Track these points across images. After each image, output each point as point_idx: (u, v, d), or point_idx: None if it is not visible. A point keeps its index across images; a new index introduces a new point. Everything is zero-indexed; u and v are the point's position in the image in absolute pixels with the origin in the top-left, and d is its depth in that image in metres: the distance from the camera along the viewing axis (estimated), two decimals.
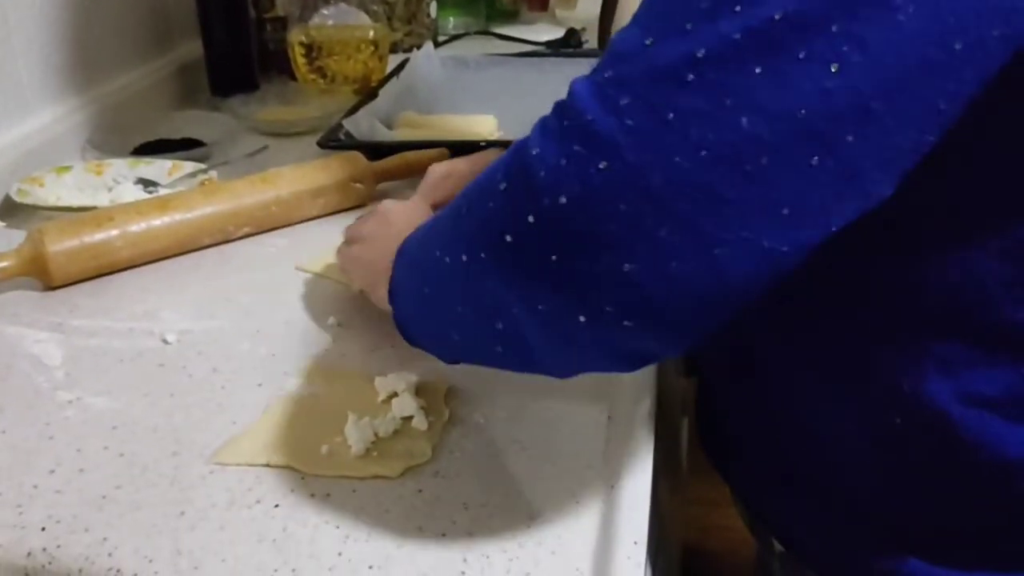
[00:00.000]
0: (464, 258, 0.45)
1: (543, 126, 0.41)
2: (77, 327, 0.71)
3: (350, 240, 0.71)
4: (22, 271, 0.75)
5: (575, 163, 0.38)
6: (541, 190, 0.39)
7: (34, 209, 0.88)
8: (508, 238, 0.41)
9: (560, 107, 0.40)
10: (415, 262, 0.54)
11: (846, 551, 0.59)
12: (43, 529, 0.51)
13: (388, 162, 0.95)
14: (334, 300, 0.74)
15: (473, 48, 1.57)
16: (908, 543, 0.56)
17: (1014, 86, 0.41)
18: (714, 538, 1.39)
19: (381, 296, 0.60)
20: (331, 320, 0.71)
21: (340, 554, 0.49)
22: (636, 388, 0.62)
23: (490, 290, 0.44)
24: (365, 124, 1.07)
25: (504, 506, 0.52)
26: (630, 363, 0.45)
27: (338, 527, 0.51)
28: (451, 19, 1.70)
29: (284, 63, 1.32)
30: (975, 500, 0.52)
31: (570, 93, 0.40)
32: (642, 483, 0.53)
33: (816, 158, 0.37)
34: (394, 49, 1.47)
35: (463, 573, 0.48)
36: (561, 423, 0.59)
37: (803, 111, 0.36)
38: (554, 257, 0.39)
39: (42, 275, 0.76)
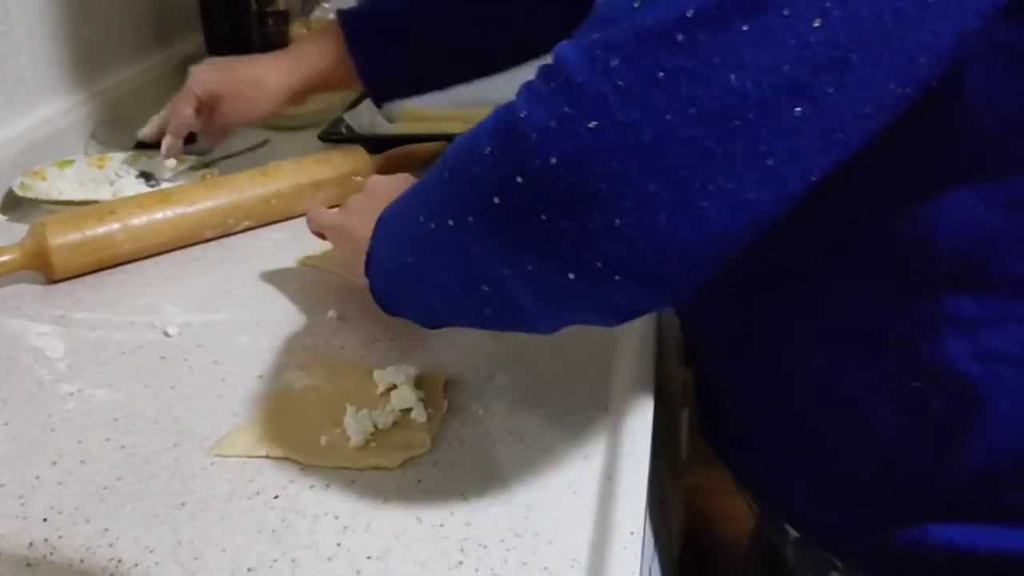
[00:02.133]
0: (450, 223, 0.46)
1: (529, 90, 0.42)
2: (79, 320, 0.72)
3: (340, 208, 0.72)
4: (25, 264, 0.76)
5: (565, 123, 0.39)
6: (530, 151, 0.40)
7: (36, 203, 0.88)
8: (496, 200, 0.42)
9: (546, 71, 0.41)
10: (395, 232, 0.55)
11: (860, 528, 0.59)
12: (45, 520, 0.51)
13: (389, 155, 0.95)
14: (334, 293, 0.74)
15: None
16: (928, 510, 0.56)
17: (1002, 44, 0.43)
18: (715, 527, 1.39)
19: (359, 270, 0.61)
20: (331, 313, 0.71)
21: (339, 544, 0.49)
22: (634, 379, 0.62)
23: (478, 254, 0.45)
24: (366, 117, 1.07)
25: (502, 497, 0.52)
26: (617, 317, 0.47)
27: (337, 518, 0.51)
28: None
29: None
30: (995, 456, 0.53)
31: (557, 57, 0.41)
32: (639, 474, 0.53)
33: (799, 109, 0.38)
34: None
35: (461, 563, 0.48)
36: (559, 414, 0.59)
37: (787, 65, 0.38)
38: (544, 217, 0.40)
39: (45, 268, 0.76)
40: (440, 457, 0.56)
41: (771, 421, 0.63)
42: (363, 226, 0.60)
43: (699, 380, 0.74)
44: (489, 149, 0.43)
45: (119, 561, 0.48)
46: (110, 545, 0.49)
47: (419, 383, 0.61)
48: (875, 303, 0.53)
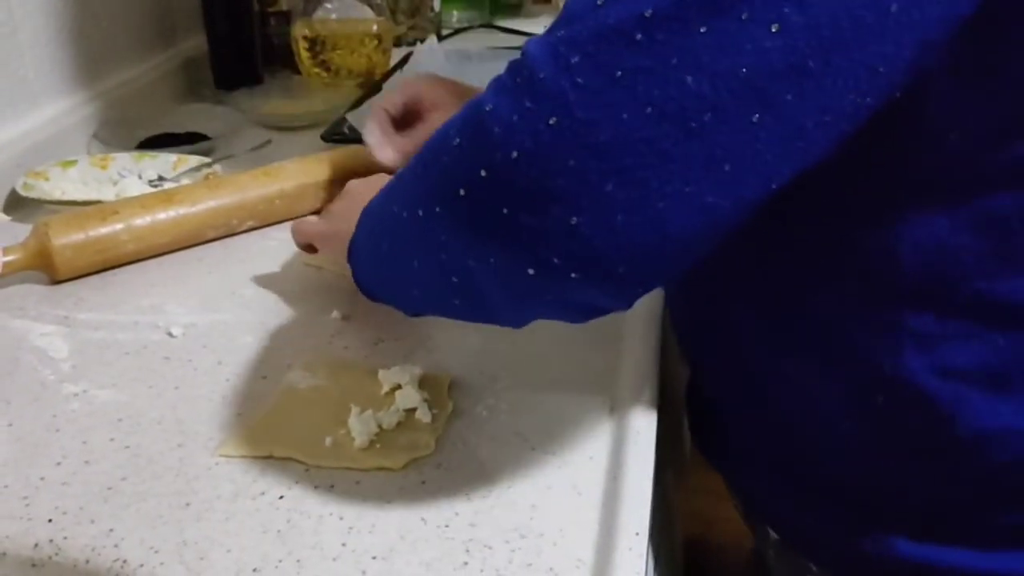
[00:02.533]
0: (420, 213, 0.46)
1: (497, 83, 0.42)
2: (83, 320, 0.71)
3: (322, 217, 0.72)
4: (28, 265, 0.76)
5: (527, 119, 0.39)
6: (494, 145, 0.40)
7: (39, 203, 0.88)
8: (462, 192, 0.42)
9: (514, 65, 0.42)
10: (375, 222, 0.56)
11: (833, 534, 0.59)
12: (50, 521, 0.51)
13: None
14: (338, 293, 0.74)
15: (477, 41, 1.57)
16: (895, 523, 0.56)
17: (966, 60, 0.43)
18: (717, 530, 1.39)
19: (342, 267, 0.62)
20: (335, 313, 0.71)
21: (344, 545, 0.49)
22: (638, 378, 0.62)
23: (444, 244, 0.45)
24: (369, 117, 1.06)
25: (507, 497, 0.52)
26: (580, 314, 0.47)
27: (342, 518, 0.51)
28: (455, 12, 1.70)
29: (288, 57, 1.32)
30: (956, 474, 0.53)
31: (524, 52, 0.41)
32: (644, 474, 0.53)
33: (757, 116, 0.38)
34: (398, 43, 1.47)
35: (466, 564, 0.48)
36: (563, 415, 0.59)
37: (744, 70, 0.37)
38: (505, 210, 0.41)
39: (48, 269, 0.76)
40: (444, 458, 0.55)
41: (750, 425, 0.64)
42: (348, 226, 0.61)
43: (690, 383, 0.74)
44: (457, 141, 0.43)
45: (124, 561, 0.48)
46: (115, 546, 0.49)
47: (423, 384, 0.61)
48: (840, 314, 0.53)
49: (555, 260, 0.41)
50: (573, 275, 0.41)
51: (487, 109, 0.41)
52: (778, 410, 0.59)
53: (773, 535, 0.65)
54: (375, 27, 1.29)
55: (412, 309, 0.59)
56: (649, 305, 0.71)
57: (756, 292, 0.57)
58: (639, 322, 0.68)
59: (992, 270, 0.49)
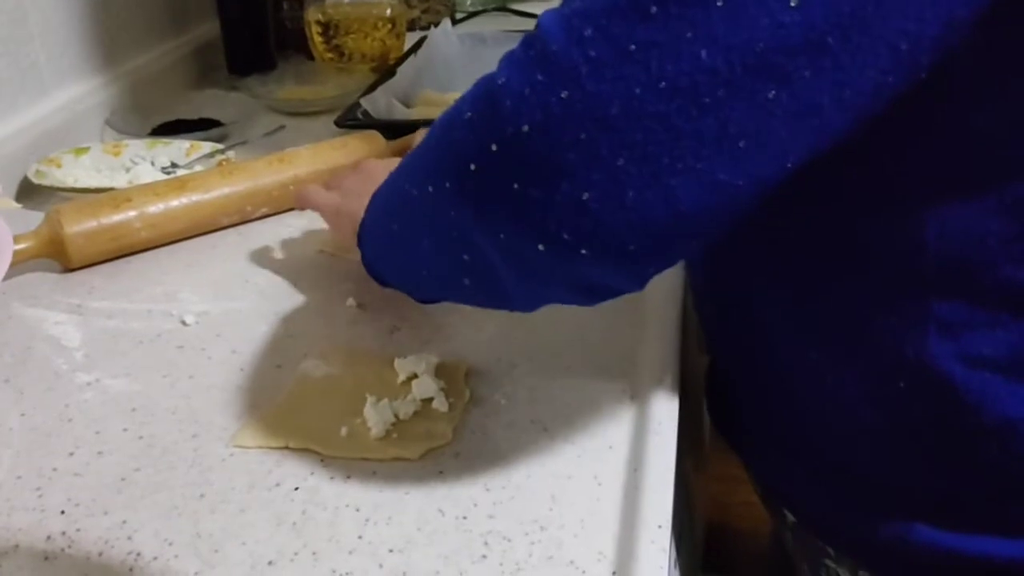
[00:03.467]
0: (430, 189, 0.46)
1: (510, 57, 0.41)
2: (96, 309, 0.71)
3: (331, 187, 0.72)
4: (40, 253, 0.75)
5: (538, 92, 0.39)
6: (505, 118, 0.40)
7: (52, 190, 0.88)
8: (472, 166, 0.42)
9: (528, 39, 0.41)
10: (385, 203, 0.55)
11: (853, 519, 0.58)
12: (63, 512, 0.51)
13: (406, 140, 0.94)
14: (353, 281, 0.73)
15: (491, 24, 1.56)
16: (914, 509, 0.55)
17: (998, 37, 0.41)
18: (736, 516, 1.38)
19: (354, 244, 0.61)
20: (350, 301, 0.70)
21: (360, 537, 0.48)
22: (658, 366, 0.61)
23: (455, 220, 0.45)
24: (383, 103, 1.06)
25: (526, 488, 0.51)
26: (592, 295, 0.46)
27: (358, 510, 0.50)
28: None
29: (301, 42, 1.31)
30: (979, 462, 0.52)
31: (538, 24, 0.41)
32: (666, 464, 0.52)
33: (773, 92, 0.37)
34: (411, 27, 1.45)
35: (484, 556, 0.47)
36: (583, 403, 0.58)
37: (760, 44, 0.37)
38: (515, 185, 0.40)
39: (60, 257, 0.76)
40: (462, 448, 0.55)
41: (771, 410, 0.63)
42: (359, 204, 0.60)
43: (710, 366, 0.73)
44: (469, 115, 0.42)
45: (138, 554, 0.48)
46: (129, 538, 0.49)
47: (440, 372, 0.60)
48: (864, 301, 0.52)
49: (565, 235, 0.40)
50: (583, 251, 0.41)
51: (499, 83, 0.41)
52: (799, 395, 0.58)
53: (791, 518, 0.64)
54: (389, 11, 1.28)
55: (422, 294, 0.58)
56: (670, 291, 0.69)
57: (779, 278, 0.56)
58: (659, 308, 0.67)
59: (1019, 256, 0.48)
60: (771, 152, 0.39)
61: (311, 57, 1.31)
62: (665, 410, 0.57)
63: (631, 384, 0.60)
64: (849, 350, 0.54)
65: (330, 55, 1.28)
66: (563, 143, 0.38)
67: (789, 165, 0.40)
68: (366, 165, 0.70)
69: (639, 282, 0.44)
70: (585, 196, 0.39)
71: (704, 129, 0.38)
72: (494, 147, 0.40)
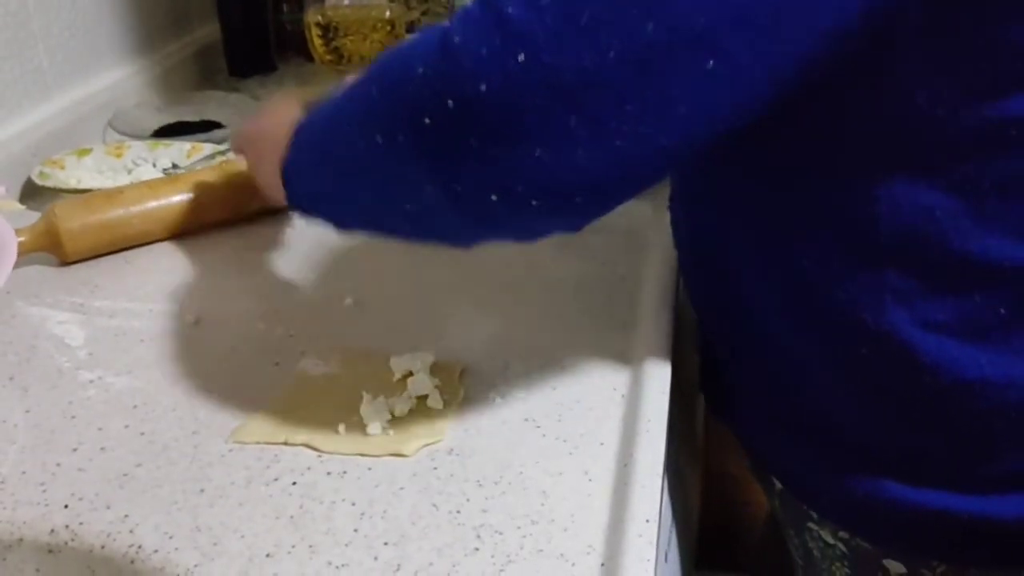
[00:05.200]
0: (379, 140, 0.47)
1: (466, 16, 0.44)
2: (98, 308, 0.72)
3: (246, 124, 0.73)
4: (37, 246, 0.77)
5: (496, 54, 0.42)
6: (463, 77, 0.42)
7: (55, 192, 0.89)
8: (427, 121, 0.44)
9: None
10: (317, 143, 0.57)
11: (829, 480, 0.60)
12: (66, 507, 0.52)
13: None
14: (351, 280, 0.74)
15: None
16: (882, 466, 0.57)
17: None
18: (732, 514, 1.39)
19: (270, 178, 0.62)
20: (348, 300, 0.71)
21: (356, 531, 0.50)
22: (651, 366, 0.62)
23: (406, 172, 0.47)
24: None
25: (517, 484, 0.53)
26: (532, 236, 0.50)
27: (354, 504, 0.51)
28: None
29: (301, 44, 1.32)
30: (940, 422, 0.54)
31: None
32: (655, 461, 0.53)
33: (711, 62, 0.41)
34: (411, 28, 1.46)
35: (477, 550, 0.48)
36: (575, 402, 0.59)
37: (702, 19, 0.40)
38: (473, 141, 0.43)
39: (56, 250, 0.77)
40: (456, 444, 0.56)
41: (752, 379, 0.65)
42: (275, 139, 0.61)
43: (701, 341, 0.75)
44: (422, 70, 0.44)
45: (139, 547, 0.49)
46: (130, 531, 0.50)
47: (435, 370, 0.61)
48: (825, 269, 0.54)
49: (519, 188, 0.44)
50: (533, 202, 0.44)
51: (456, 41, 0.43)
52: (774, 363, 0.61)
53: (779, 485, 0.66)
54: (388, 13, 1.29)
55: (346, 227, 0.60)
56: (662, 292, 0.70)
57: (755, 248, 0.58)
58: (652, 309, 0.68)
59: (966, 230, 0.49)
60: (706, 117, 0.44)
61: (311, 59, 1.32)
62: (655, 409, 0.58)
63: (623, 383, 0.61)
64: (813, 316, 0.56)
65: (330, 57, 1.29)
66: (520, 105, 0.41)
67: (721, 129, 0.44)
68: (275, 100, 0.71)
69: (578, 228, 0.49)
70: (539, 153, 0.42)
71: (648, 96, 0.42)
72: (451, 104, 0.43)
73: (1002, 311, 0.51)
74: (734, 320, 0.63)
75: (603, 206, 0.47)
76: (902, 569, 0.60)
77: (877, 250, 0.51)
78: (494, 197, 0.44)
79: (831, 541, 0.63)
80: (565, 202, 0.45)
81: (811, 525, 0.64)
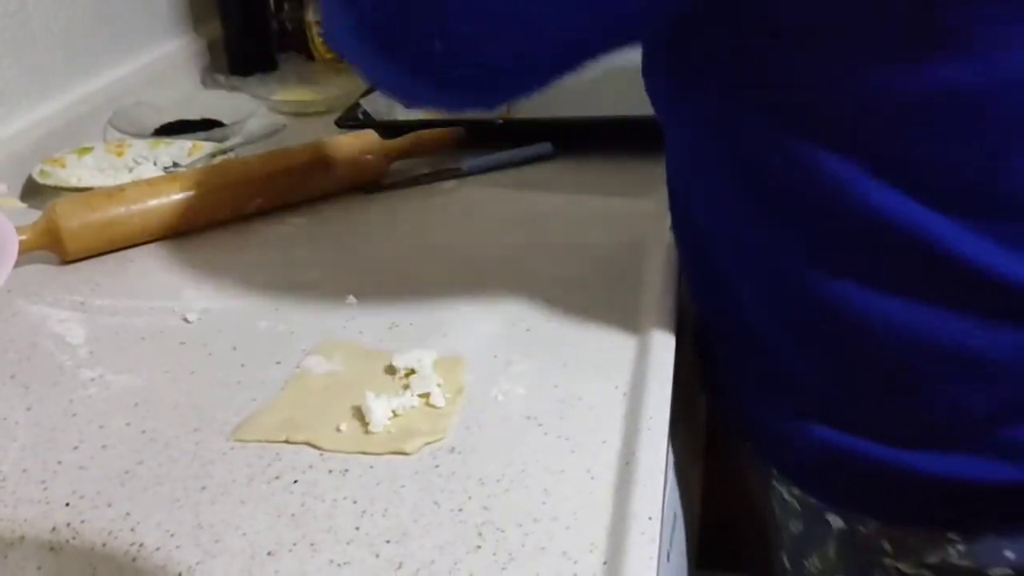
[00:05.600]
0: None
1: None
2: (99, 306, 0.72)
3: None
4: (38, 244, 0.76)
5: None
6: None
7: (56, 190, 0.89)
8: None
9: None
10: None
11: (782, 430, 0.63)
12: (67, 504, 0.52)
13: (405, 140, 0.95)
14: (353, 278, 0.74)
15: None
16: (825, 416, 0.59)
17: None
18: (733, 516, 1.39)
19: None
20: (350, 298, 0.71)
21: (358, 528, 0.49)
22: (652, 364, 0.62)
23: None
24: (383, 103, 1.07)
25: (519, 482, 0.52)
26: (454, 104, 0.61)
27: (355, 502, 0.51)
28: None
29: (302, 43, 1.32)
30: (869, 369, 0.56)
31: None
32: (657, 459, 0.53)
33: None
34: None
35: (479, 548, 0.48)
36: (577, 399, 0.59)
37: None
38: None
39: (57, 248, 0.77)
40: (458, 442, 0.56)
41: (724, 329, 0.67)
42: None
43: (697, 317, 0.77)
44: None
45: (141, 545, 0.49)
46: (132, 529, 0.50)
47: (438, 368, 0.61)
48: (757, 233, 0.56)
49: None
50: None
51: None
52: (740, 317, 0.63)
53: (748, 445, 0.69)
54: None
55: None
56: (664, 289, 0.70)
57: (717, 222, 0.60)
58: (654, 306, 0.68)
59: (869, 189, 0.51)
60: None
61: (312, 58, 1.32)
62: (657, 406, 0.58)
63: (625, 381, 0.61)
64: (744, 262, 0.59)
65: (330, 56, 1.29)
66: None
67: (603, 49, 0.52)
68: None
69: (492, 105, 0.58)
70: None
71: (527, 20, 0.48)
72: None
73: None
74: (706, 283, 0.67)
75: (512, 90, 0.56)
76: (841, 524, 0.62)
77: (789, 208, 0.54)
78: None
79: (787, 497, 0.66)
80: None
81: (773, 482, 0.67)
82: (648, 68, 0.60)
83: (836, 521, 0.63)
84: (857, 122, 0.49)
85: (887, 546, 0.61)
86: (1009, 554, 0.57)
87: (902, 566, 0.61)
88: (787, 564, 0.72)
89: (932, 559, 0.59)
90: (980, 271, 0.50)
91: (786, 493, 0.66)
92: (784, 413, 0.62)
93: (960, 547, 0.58)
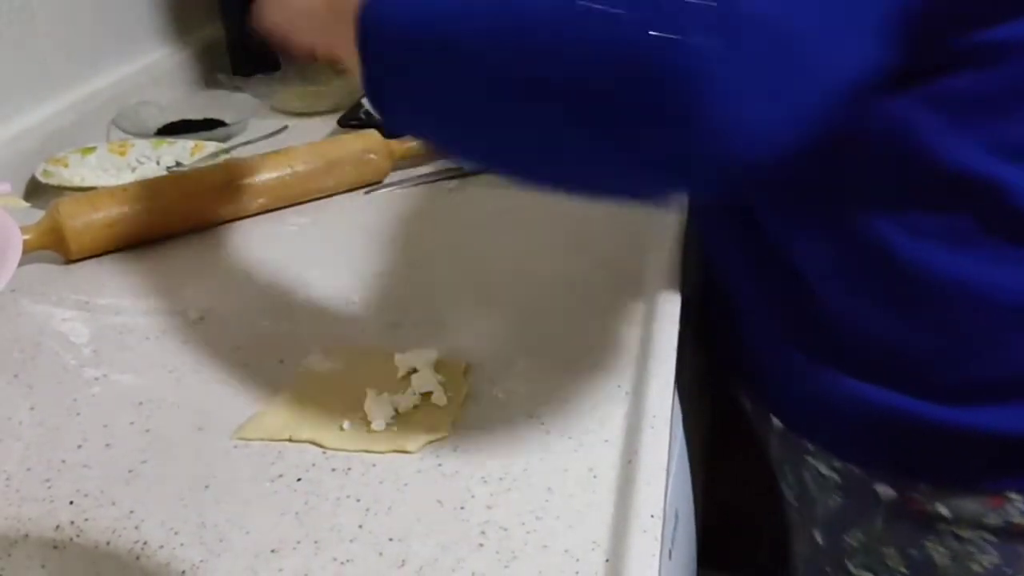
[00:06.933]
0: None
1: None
2: (103, 305, 0.72)
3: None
4: (42, 244, 0.77)
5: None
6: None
7: (59, 190, 0.89)
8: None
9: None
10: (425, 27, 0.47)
11: (822, 404, 0.62)
12: (71, 503, 0.52)
13: (405, 139, 0.95)
14: (355, 278, 0.74)
15: None
16: (871, 375, 0.59)
17: None
18: (734, 516, 1.39)
19: (342, 43, 0.53)
20: (352, 297, 0.71)
21: (361, 527, 0.50)
22: (655, 363, 0.62)
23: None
24: None
25: (522, 480, 0.53)
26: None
27: (359, 501, 0.51)
28: None
29: None
30: (922, 326, 0.56)
31: None
32: (659, 457, 0.53)
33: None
34: None
35: (481, 546, 0.48)
36: (579, 398, 0.59)
37: None
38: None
39: (60, 247, 0.77)
40: (461, 441, 0.56)
41: (760, 298, 0.67)
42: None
43: (706, 290, 0.78)
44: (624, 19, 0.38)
45: (145, 543, 0.49)
46: (135, 527, 0.50)
47: (440, 367, 0.61)
48: (825, 191, 0.56)
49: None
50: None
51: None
52: (785, 277, 0.62)
53: (777, 423, 0.68)
54: None
55: (441, 140, 0.52)
56: (668, 285, 0.70)
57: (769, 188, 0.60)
58: (657, 305, 0.68)
59: (947, 145, 0.51)
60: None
61: (315, 58, 1.32)
62: (660, 406, 0.58)
63: (628, 381, 0.61)
64: (804, 211, 0.58)
65: None
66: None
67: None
68: None
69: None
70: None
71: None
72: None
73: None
74: (740, 245, 0.65)
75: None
76: (892, 493, 0.61)
77: (866, 166, 0.53)
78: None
79: (826, 472, 0.65)
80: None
81: (807, 458, 0.66)
82: None
83: (886, 491, 0.61)
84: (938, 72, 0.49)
85: (944, 511, 0.59)
86: None
87: (960, 531, 0.59)
88: (819, 540, 0.69)
89: (993, 521, 0.58)
90: None
91: (824, 467, 0.64)
92: (826, 380, 0.61)
93: (1022, 505, 0.57)
